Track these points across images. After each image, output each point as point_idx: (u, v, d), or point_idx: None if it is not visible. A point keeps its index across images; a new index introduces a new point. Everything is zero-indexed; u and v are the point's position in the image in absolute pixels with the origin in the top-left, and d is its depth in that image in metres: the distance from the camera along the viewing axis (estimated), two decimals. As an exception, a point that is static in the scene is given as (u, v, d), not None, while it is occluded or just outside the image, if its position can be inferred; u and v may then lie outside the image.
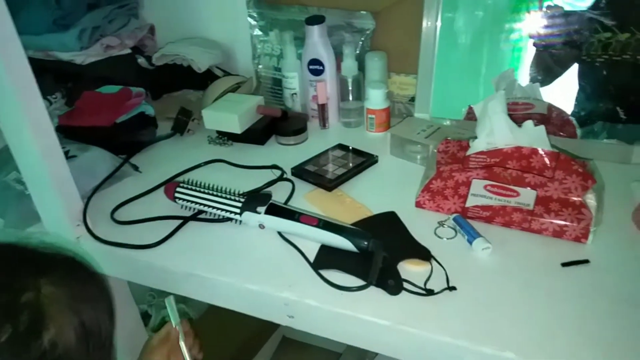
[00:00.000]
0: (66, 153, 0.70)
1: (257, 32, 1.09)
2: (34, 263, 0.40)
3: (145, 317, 1.26)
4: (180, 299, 1.31)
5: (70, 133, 0.88)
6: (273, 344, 1.53)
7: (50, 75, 1.04)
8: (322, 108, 0.97)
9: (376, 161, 0.86)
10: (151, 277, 0.71)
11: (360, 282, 0.59)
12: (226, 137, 0.96)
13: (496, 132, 0.66)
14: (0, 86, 0.61)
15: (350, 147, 0.89)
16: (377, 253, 0.61)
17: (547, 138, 0.65)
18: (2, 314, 0.35)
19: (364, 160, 0.85)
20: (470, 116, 0.94)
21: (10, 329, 0.35)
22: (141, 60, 1.13)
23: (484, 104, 0.68)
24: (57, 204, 0.69)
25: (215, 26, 1.17)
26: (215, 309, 0.68)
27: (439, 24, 0.89)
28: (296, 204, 0.75)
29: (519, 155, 0.65)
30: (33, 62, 0.62)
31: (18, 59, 0.61)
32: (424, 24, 0.90)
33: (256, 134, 0.95)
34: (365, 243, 0.62)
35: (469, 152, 0.68)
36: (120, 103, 0.93)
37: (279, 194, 0.77)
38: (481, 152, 0.66)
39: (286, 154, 0.92)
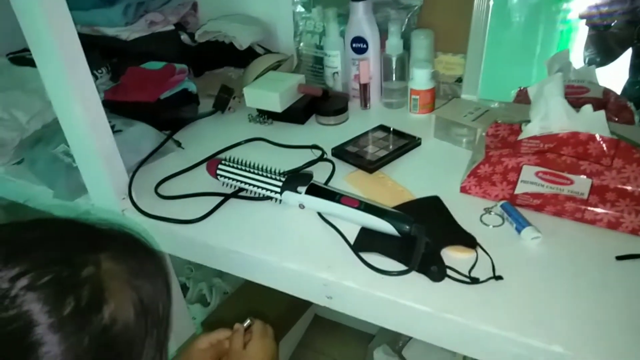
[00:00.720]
0: (112, 127, 0.71)
1: (300, 8, 1.07)
2: (93, 238, 0.40)
3: (183, 289, 1.30)
4: (217, 273, 1.34)
5: (116, 108, 0.90)
6: (305, 321, 1.55)
7: (97, 51, 1.05)
8: (364, 88, 0.95)
9: (419, 143, 0.83)
10: (192, 251, 0.72)
11: (402, 267, 0.58)
12: (266, 116, 0.95)
13: (552, 116, 0.62)
14: (51, 60, 0.62)
15: (392, 129, 0.87)
16: (420, 238, 0.59)
17: (606, 124, 0.61)
18: (65, 288, 0.35)
19: (407, 143, 0.82)
20: (520, 99, 0.90)
21: (72, 302, 0.35)
22: (184, 37, 1.13)
23: (540, 86, 0.64)
24: (103, 177, 0.71)
25: (258, 3, 1.15)
26: (250, 284, 0.68)
27: (491, 1, 0.85)
28: (336, 185, 0.74)
29: (575, 141, 0.61)
30: (81, 37, 0.63)
31: (69, 33, 0.61)
32: (476, 0, 0.86)
33: (296, 113, 0.94)
34: (408, 227, 0.60)
35: (521, 137, 0.64)
36: (164, 79, 0.93)
37: (319, 175, 0.76)
38: (534, 137, 0.63)
39: (326, 134, 0.90)
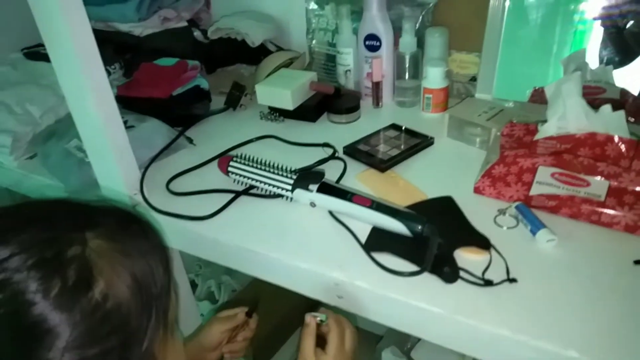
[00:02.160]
0: (125, 123, 0.71)
1: (313, 5, 1.06)
2: (83, 217, 0.40)
3: (192, 286, 1.30)
4: (225, 271, 1.35)
5: (128, 103, 0.90)
6: (313, 320, 1.54)
7: (110, 46, 1.06)
8: (377, 86, 0.94)
9: (432, 143, 0.82)
10: (202, 248, 0.72)
11: (414, 268, 0.57)
12: (278, 113, 0.95)
13: (569, 116, 0.61)
14: (65, 54, 0.62)
15: (404, 128, 0.86)
16: (433, 238, 0.58)
17: (625, 125, 0.60)
18: (50, 269, 0.36)
19: (419, 142, 0.82)
20: (535, 98, 0.88)
21: (59, 283, 0.35)
22: (197, 34, 1.13)
23: (557, 86, 0.63)
24: (115, 172, 0.71)
25: (270, 0, 1.15)
26: (258, 282, 0.68)
27: (508, -1, 0.84)
28: (348, 183, 0.74)
29: (592, 142, 0.60)
30: (95, 32, 0.63)
31: (83, 28, 0.62)
32: (492, -2, 0.84)
33: (308, 111, 0.94)
34: (420, 227, 0.60)
35: (537, 137, 0.63)
36: (177, 75, 0.93)
37: (330, 173, 0.75)
38: (551, 137, 0.62)
39: (338, 132, 0.90)
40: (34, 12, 0.60)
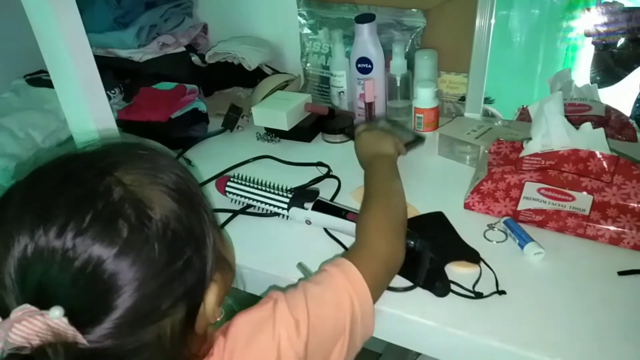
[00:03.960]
0: (125, 146, 0.74)
1: (306, 30, 1.10)
2: (99, 164, 0.39)
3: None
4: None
5: (128, 127, 0.93)
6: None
7: (110, 71, 1.09)
8: (369, 106, 0.97)
9: (423, 140, 0.86)
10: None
11: (407, 283, 0.59)
12: (274, 134, 0.98)
13: (552, 134, 0.64)
14: (68, 80, 0.65)
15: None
16: (424, 254, 0.60)
17: (606, 141, 0.63)
18: (110, 217, 0.36)
19: (411, 141, 0.84)
20: (523, 117, 0.92)
21: (125, 224, 0.36)
22: (194, 58, 1.16)
23: (540, 105, 0.66)
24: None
25: (266, 25, 1.19)
26: (254, 297, 0.69)
27: (492, 21, 0.87)
28: (342, 200, 0.76)
29: (575, 158, 0.63)
30: (95, 58, 0.66)
31: (85, 55, 0.65)
32: (478, 21, 0.88)
33: (303, 132, 0.97)
34: (412, 243, 0.61)
35: (522, 154, 0.66)
36: (175, 99, 0.96)
37: (325, 191, 0.78)
38: (536, 154, 0.64)
39: (332, 151, 0.92)
40: (39, 39, 0.63)
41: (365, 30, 0.93)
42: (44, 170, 0.39)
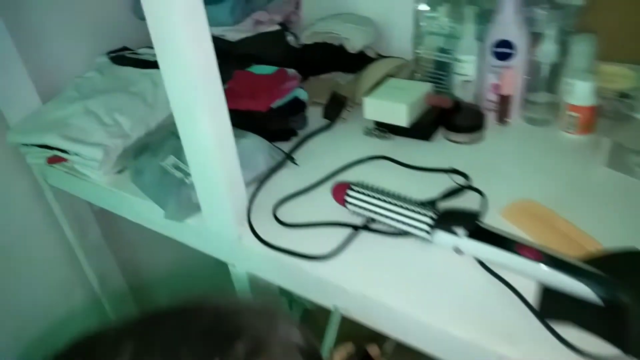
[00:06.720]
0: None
1: (423, 6, 0.94)
2: (226, 325, 0.33)
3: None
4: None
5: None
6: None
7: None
8: (505, 100, 0.81)
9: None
10: (316, 290, 0.62)
11: (608, 347, 0.44)
12: (386, 129, 0.83)
13: None
14: (180, 63, 0.53)
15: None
16: (634, 310, 0.45)
17: None
18: None
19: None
20: None
21: None
22: (290, 38, 1.03)
23: None
24: (224, 199, 0.61)
25: (370, 1, 1.04)
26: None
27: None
28: (489, 222, 0.61)
29: None
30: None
31: (203, 35, 0.53)
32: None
33: (423, 128, 0.82)
34: (616, 294, 0.46)
35: None
36: (276, 86, 0.84)
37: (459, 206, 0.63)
38: None
39: (459, 153, 0.77)
40: (148, 16, 0.51)
41: (509, 7, 0.76)
42: (169, 315, 0.34)
